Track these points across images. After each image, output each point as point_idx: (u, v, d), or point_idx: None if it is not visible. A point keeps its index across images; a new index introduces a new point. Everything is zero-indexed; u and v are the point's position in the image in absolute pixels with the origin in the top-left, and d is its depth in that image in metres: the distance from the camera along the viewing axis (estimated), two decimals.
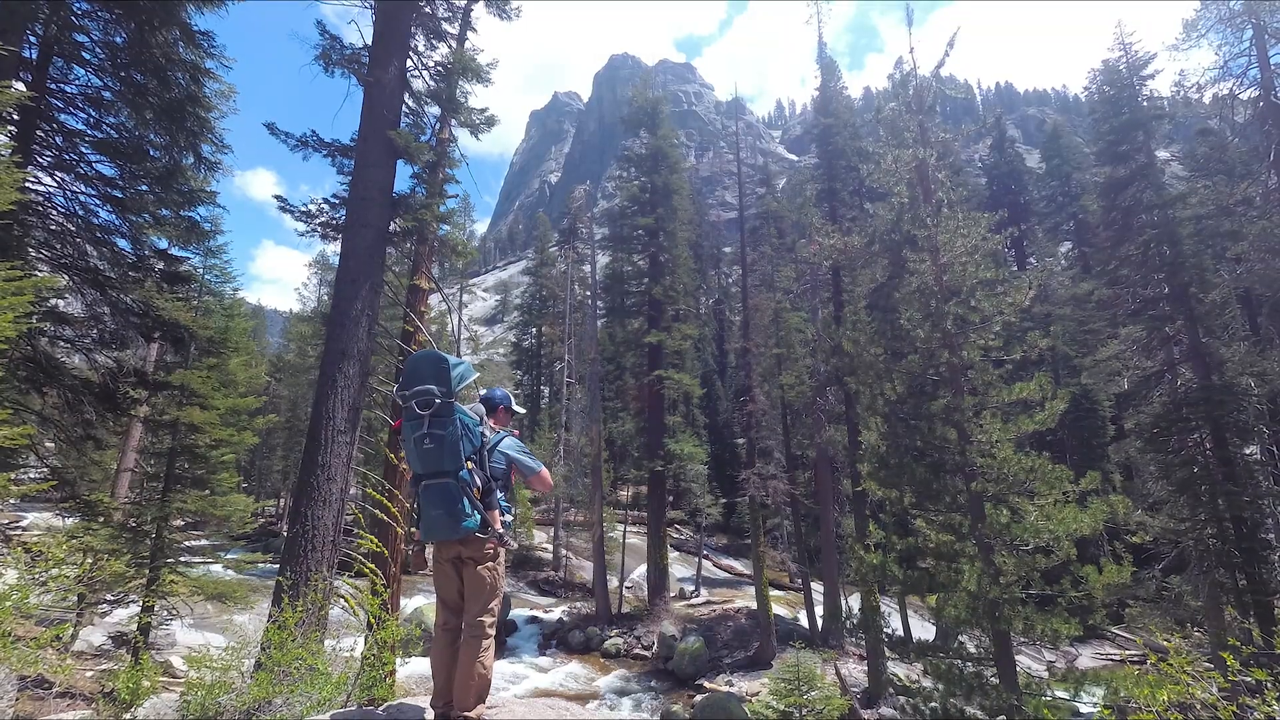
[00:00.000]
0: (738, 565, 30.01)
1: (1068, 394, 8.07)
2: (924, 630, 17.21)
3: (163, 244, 10.43)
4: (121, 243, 9.00)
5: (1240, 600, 13.13)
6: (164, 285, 9.36)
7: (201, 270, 15.15)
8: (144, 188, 8.83)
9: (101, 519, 9.57)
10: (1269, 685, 2.37)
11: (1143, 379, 16.26)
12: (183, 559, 11.86)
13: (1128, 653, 19.35)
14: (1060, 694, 6.80)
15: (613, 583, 22.65)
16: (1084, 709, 6.73)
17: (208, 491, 12.31)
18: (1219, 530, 13.53)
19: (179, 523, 12.63)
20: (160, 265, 9.68)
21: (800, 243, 22.46)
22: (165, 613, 11.49)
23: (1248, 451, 15.26)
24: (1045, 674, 15.37)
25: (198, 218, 9.67)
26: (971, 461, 7.46)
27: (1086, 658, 19.45)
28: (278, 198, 8.92)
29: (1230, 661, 2.47)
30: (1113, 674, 6.50)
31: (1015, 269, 28.79)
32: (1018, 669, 7.37)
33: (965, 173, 35.70)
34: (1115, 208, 16.80)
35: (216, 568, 14.83)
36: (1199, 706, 2.45)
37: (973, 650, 7.55)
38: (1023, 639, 7.06)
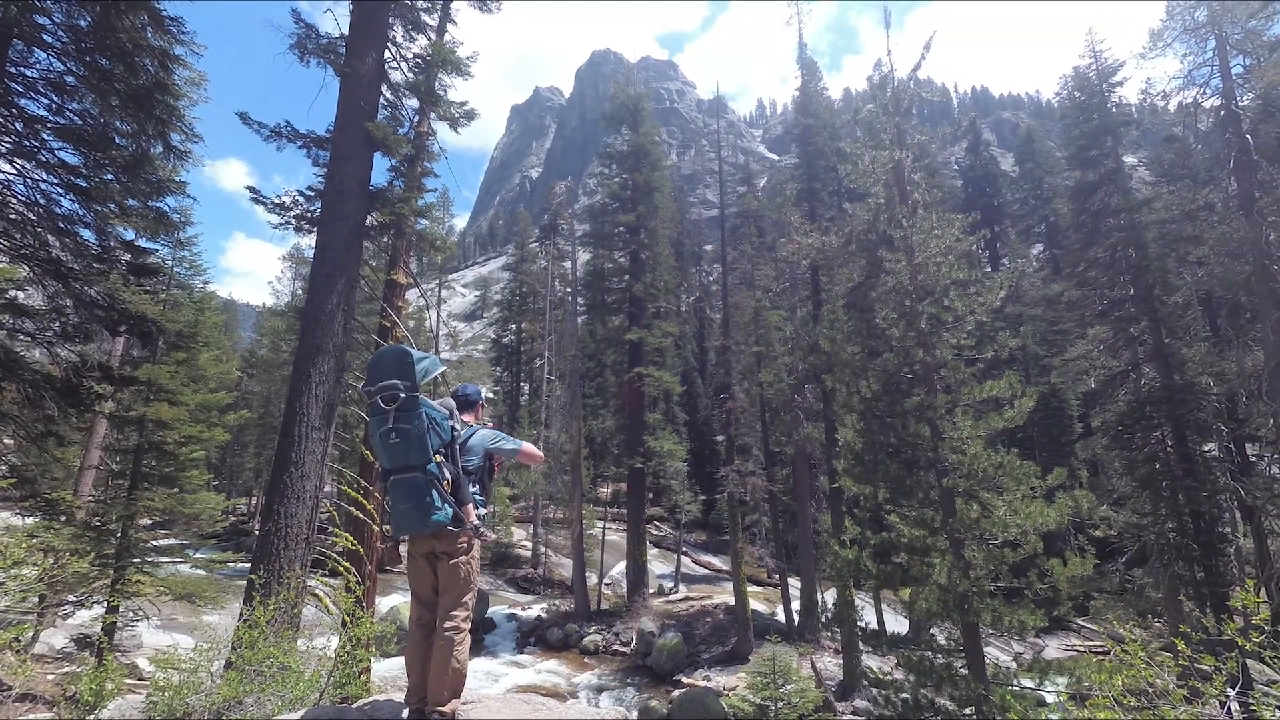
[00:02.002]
0: (716, 561, 30.21)
1: (1036, 392, 8.29)
2: (899, 624, 17.54)
3: (129, 235, 10.14)
4: (85, 233, 8.72)
5: (1198, 592, 13.63)
6: (130, 277, 9.09)
7: (170, 262, 14.74)
8: (109, 177, 8.57)
9: (64, 518, 9.30)
10: (1216, 671, 2.49)
11: (1109, 378, 16.75)
12: (149, 558, 11.58)
13: (1092, 643, 19.95)
14: (1026, 683, 7.01)
15: (592, 580, 22.66)
16: (1050, 698, 6.94)
17: (176, 489, 12.03)
18: (1179, 524, 14.01)
19: (146, 521, 12.33)
20: (127, 257, 9.40)
21: (780, 241, 22.67)
22: (131, 614, 11.22)
23: (1206, 448, 15.83)
24: (1013, 664, 15.80)
25: (166, 208, 9.41)
26: (944, 458, 7.62)
27: (1053, 648, 19.99)
28: (250, 189, 8.74)
29: (1182, 648, 2.58)
30: (1076, 663, 6.70)
31: (989, 270, 29.39)
32: (986, 660, 7.57)
33: (942, 174, 36.28)
34: (1085, 211, 17.25)
35: (185, 567, 14.48)
36: (1152, 692, 2.56)
37: (943, 642, 7.73)
38: (991, 631, 7.24)
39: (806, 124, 20.97)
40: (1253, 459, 18.58)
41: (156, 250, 12.43)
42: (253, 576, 5.84)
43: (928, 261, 8.19)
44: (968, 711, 7.18)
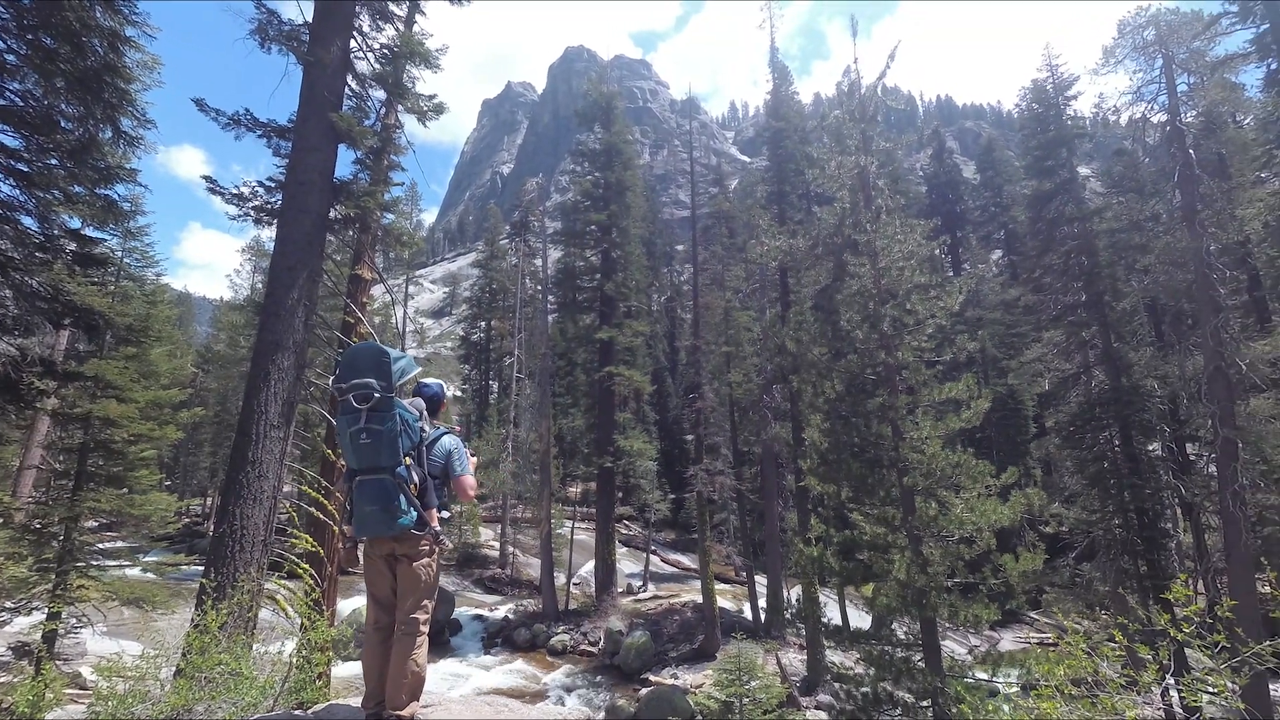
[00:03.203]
0: (685, 560, 30.39)
1: (991, 394, 8.58)
2: (865, 620, 17.93)
3: (75, 223, 9.67)
4: (27, 221, 8.29)
5: (1141, 585, 14.29)
6: (76, 268, 8.69)
7: (120, 253, 14.12)
8: (54, 161, 8.17)
9: (0, 519, 8.82)
10: (1151, 661, 2.63)
11: (1061, 380, 17.41)
12: (95, 562, 11.07)
13: (1044, 636, 20.75)
14: (980, 675, 7.25)
15: (560, 580, 22.56)
16: (1002, 689, 7.20)
17: (125, 490, 11.53)
18: (1124, 521, 14.67)
19: (91, 524, 11.80)
20: (72, 246, 8.97)
21: (750, 243, 22.88)
22: (74, 620, 10.70)
23: (1151, 448, 16.61)
24: (969, 657, 16.31)
25: (115, 196, 9.02)
26: (904, 457, 7.82)
27: (1008, 641, 20.71)
28: (206, 178, 8.42)
29: (1119, 639, 2.72)
30: (1027, 655, 6.97)
31: (952, 274, 30.25)
32: (943, 653, 7.80)
33: (907, 181, 37.21)
34: (1041, 219, 17.89)
35: (135, 571, 13.91)
36: (1092, 681, 2.69)
37: (902, 637, 7.93)
38: (948, 625, 7.47)
39: (777, 127, 21.24)
40: (1193, 458, 19.55)
41: (105, 240, 11.86)
42: (204, 580, 5.64)
43: (891, 266, 8.39)
44: (925, 704, 7.39)
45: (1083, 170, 20.28)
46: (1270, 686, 10.82)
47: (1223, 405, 11.82)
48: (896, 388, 8.26)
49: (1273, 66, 12.79)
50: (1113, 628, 2.98)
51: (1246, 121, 18.44)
